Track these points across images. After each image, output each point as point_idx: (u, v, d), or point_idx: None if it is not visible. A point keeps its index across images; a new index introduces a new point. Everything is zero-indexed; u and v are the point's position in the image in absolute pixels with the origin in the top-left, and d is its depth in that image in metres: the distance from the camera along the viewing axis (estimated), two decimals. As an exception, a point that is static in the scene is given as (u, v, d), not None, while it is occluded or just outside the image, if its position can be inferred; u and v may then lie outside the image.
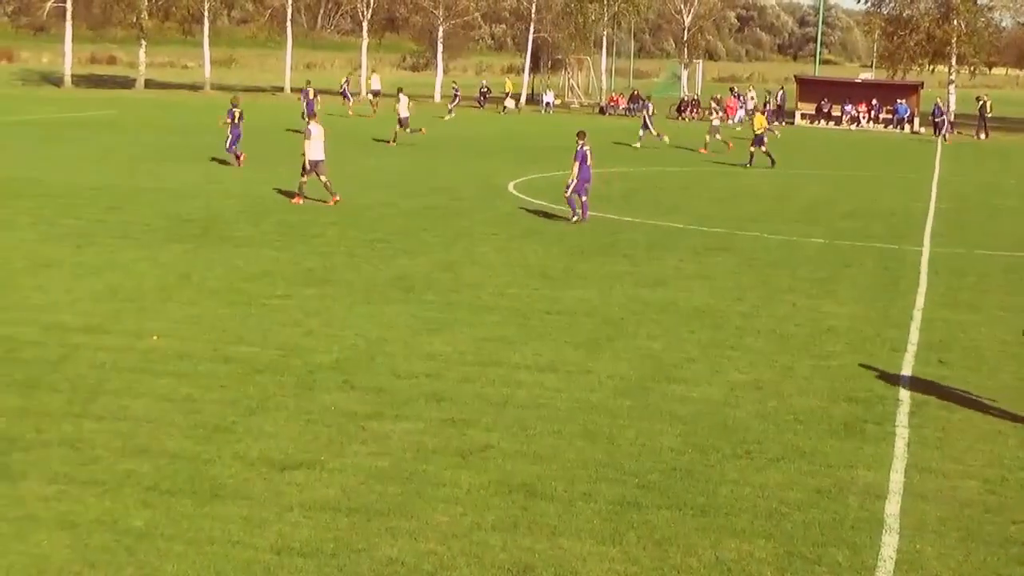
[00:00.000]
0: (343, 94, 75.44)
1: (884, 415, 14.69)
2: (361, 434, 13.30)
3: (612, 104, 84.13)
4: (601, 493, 11.75)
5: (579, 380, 15.74)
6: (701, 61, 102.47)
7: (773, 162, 46.94)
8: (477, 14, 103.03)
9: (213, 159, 41.80)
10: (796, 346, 17.98)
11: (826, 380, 16.19)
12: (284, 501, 11.30)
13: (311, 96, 56.32)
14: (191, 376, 15.34)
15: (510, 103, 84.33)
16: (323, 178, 31.64)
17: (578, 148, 29.97)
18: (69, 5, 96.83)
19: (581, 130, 30.75)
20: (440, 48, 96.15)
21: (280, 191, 33.37)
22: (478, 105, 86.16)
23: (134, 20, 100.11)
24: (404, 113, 51.31)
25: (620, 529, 10.91)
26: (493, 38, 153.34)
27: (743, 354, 17.40)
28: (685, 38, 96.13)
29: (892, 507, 11.69)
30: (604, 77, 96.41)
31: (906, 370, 16.84)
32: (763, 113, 51.39)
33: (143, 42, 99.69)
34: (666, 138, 55.34)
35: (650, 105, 56.94)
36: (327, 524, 10.80)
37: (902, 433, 14.02)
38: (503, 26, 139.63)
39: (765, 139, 47.32)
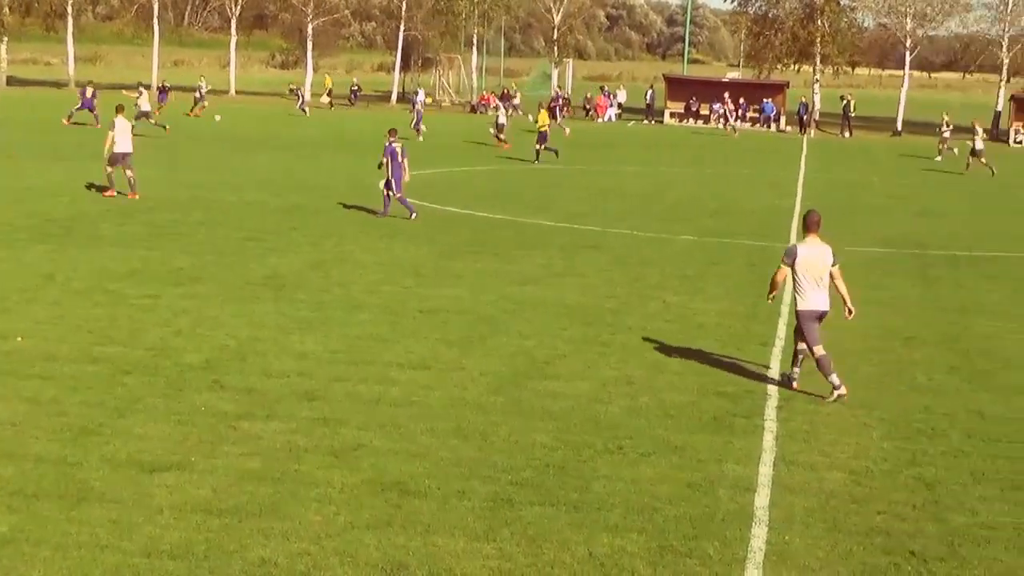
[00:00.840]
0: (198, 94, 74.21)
1: (753, 409, 14.91)
2: (232, 434, 13.16)
3: (483, 102, 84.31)
4: (475, 490, 11.76)
5: (452, 378, 15.75)
6: (571, 60, 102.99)
7: (557, 154, 48.10)
8: (347, 11, 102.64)
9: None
10: (666, 342, 18.17)
11: (696, 375, 16.39)
12: (154, 503, 11.14)
13: (88, 94, 57.63)
14: (57, 378, 15.05)
15: (324, 100, 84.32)
16: (129, 172, 31.86)
17: (387, 145, 30.32)
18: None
19: (391, 128, 31.34)
20: (310, 46, 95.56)
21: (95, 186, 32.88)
22: (349, 103, 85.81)
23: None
24: (145, 107, 52.54)
25: (494, 526, 10.93)
26: (363, 36, 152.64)
27: (614, 351, 17.55)
28: (555, 37, 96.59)
29: (761, 500, 11.86)
30: (475, 76, 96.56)
31: (774, 365, 17.10)
32: (547, 109, 52.35)
33: (4, 38, 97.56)
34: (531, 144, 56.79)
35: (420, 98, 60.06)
36: (198, 526, 10.67)
37: (770, 427, 14.24)
38: (373, 23, 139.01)
39: (548, 135, 48.62)
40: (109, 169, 32.34)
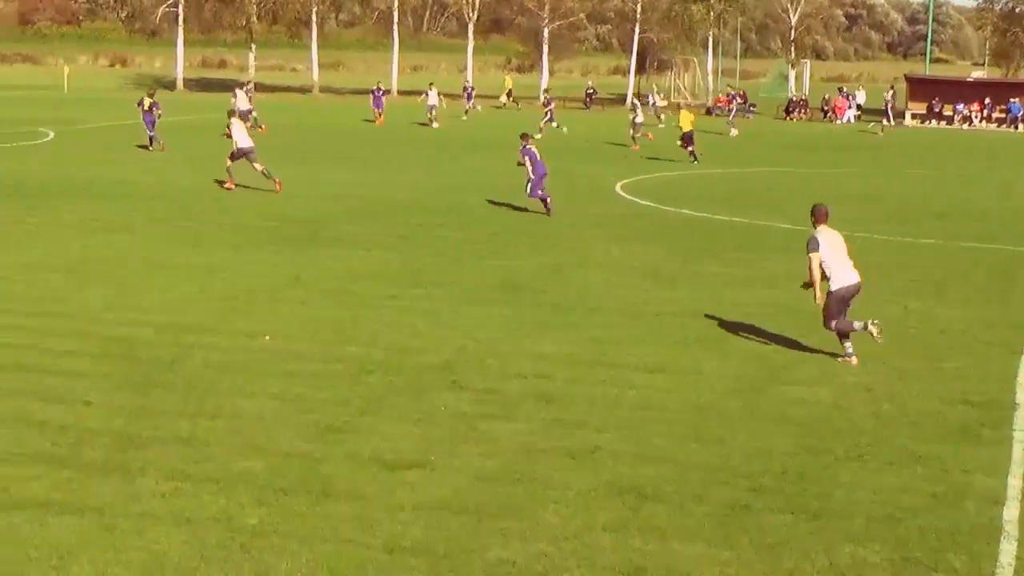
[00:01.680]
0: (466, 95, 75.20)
1: (1001, 419, 14.43)
2: (472, 434, 13.34)
3: (719, 104, 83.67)
4: (712, 496, 11.67)
5: (689, 381, 15.66)
6: (808, 61, 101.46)
7: (696, 159, 46.19)
8: (582, 15, 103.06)
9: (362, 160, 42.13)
10: (909, 348, 17.72)
11: (940, 383, 15.94)
12: (395, 501, 11.35)
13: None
14: (302, 376, 15.48)
15: (503, 99, 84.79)
16: (257, 166, 34.36)
17: (522, 148, 31.10)
18: (181, 10, 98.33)
19: (523, 133, 32.74)
20: (545, 49, 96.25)
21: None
22: (584, 106, 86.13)
23: (243, 24, 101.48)
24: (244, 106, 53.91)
25: (732, 532, 10.82)
26: (599, 39, 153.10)
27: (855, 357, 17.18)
28: (792, 37, 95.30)
29: (1010, 513, 11.47)
30: (710, 78, 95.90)
31: (1023, 374, 16.53)
32: (688, 110, 50.66)
33: (252, 46, 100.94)
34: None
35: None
36: (438, 524, 10.84)
37: (1020, 437, 13.76)
38: (608, 27, 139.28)
39: (693, 136, 46.72)
40: (229, 163, 34.91)
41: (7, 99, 76.74)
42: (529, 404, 14.50)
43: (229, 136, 35.66)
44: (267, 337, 17.40)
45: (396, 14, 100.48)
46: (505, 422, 13.78)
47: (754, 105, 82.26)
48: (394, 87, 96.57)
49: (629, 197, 35.15)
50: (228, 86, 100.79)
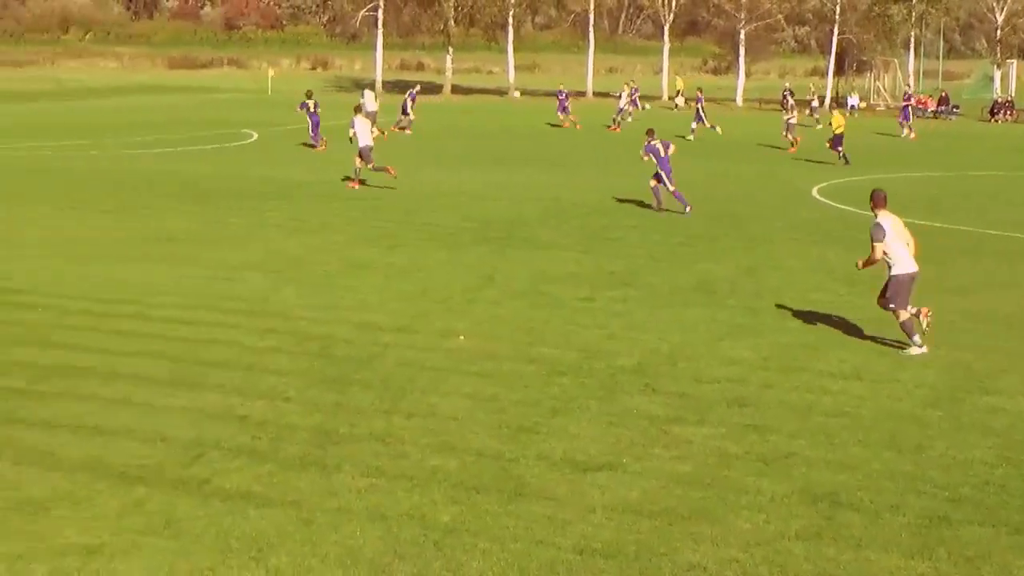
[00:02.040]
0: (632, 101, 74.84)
1: None
2: (663, 438, 13.29)
3: (920, 105, 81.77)
4: (909, 505, 11.42)
5: (885, 389, 15.35)
6: (1015, 61, 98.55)
7: (847, 161, 45.14)
8: (780, 16, 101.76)
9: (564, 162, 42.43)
10: (1119, 359, 17.09)
11: None
12: (587, 502, 11.38)
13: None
14: (496, 376, 15.62)
15: (679, 100, 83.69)
16: (370, 165, 35.58)
17: (646, 145, 31.66)
18: (380, 14, 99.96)
19: (649, 128, 33.28)
20: (742, 51, 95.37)
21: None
22: (781, 108, 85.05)
23: (441, 27, 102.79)
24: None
25: (929, 544, 10.58)
26: (796, 40, 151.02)
27: (1060, 366, 16.67)
28: (998, 37, 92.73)
29: None
30: (911, 79, 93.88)
31: None
32: (840, 112, 49.45)
33: (450, 48, 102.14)
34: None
35: (701, 97, 60.70)
36: (629, 526, 10.83)
37: None
38: (806, 28, 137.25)
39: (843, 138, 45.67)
40: (358, 163, 35.98)
41: (214, 101, 79.01)
42: (722, 408, 14.39)
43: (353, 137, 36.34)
44: (461, 337, 17.59)
45: (592, 16, 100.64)
46: (697, 426, 13.71)
47: (957, 107, 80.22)
48: (589, 89, 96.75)
49: (826, 201, 34.62)
50: (425, 88, 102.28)
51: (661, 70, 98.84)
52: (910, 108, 64.38)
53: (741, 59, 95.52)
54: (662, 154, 31.22)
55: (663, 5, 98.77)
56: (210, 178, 37.30)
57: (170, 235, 26.18)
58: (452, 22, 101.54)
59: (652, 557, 10.23)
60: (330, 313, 19.05)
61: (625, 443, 13.10)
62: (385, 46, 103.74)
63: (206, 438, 13.01)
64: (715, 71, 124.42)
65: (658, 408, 14.37)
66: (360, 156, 35.80)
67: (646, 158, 31.63)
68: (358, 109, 37.76)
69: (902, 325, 17.23)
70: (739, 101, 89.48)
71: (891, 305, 17.34)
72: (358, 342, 17.24)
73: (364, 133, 36.01)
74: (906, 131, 60.79)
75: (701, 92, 61.93)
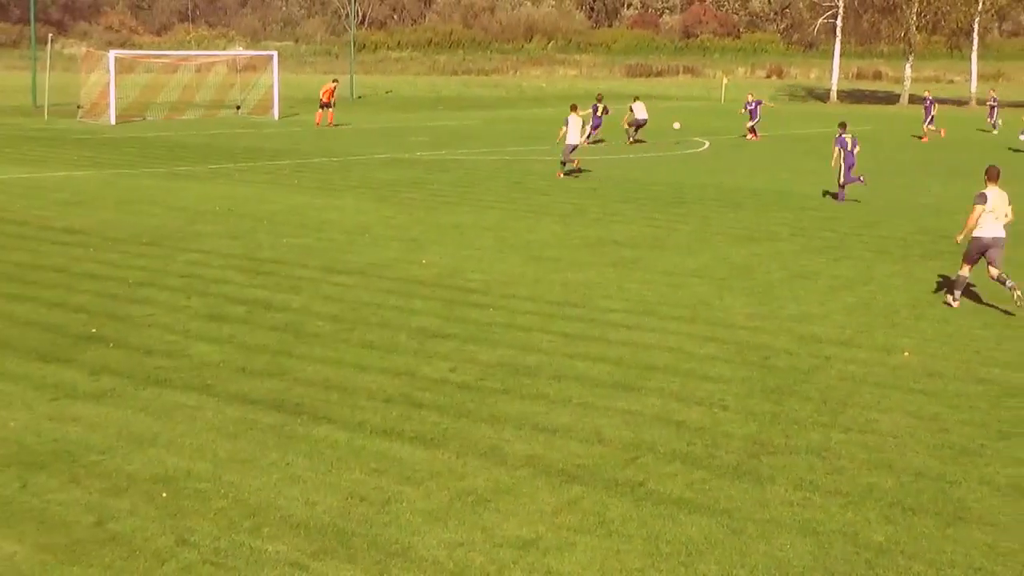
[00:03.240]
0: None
1: None
2: (1120, 470, 12.52)
3: None
4: None
5: None
6: None
7: None
8: None
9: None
10: None
11: None
12: (1032, 532, 10.88)
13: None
14: (940, 395, 15.13)
15: None
16: (566, 161, 39.46)
17: (837, 137, 34.53)
18: (839, 21, 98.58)
19: (842, 121, 36.07)
20: None
21: None
22: None
23: (902, 34, 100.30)
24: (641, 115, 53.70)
25: None
26: None
27: None
28: None
29: None
30: None
31: None
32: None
33: (910, 56, 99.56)
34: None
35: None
36: (1077, 561, 10.28)
37: None
38: None
39: None
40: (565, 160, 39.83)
41: (669, 109, 79.88)
42: None
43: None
44: (907, 353, 17.14)
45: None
46: None
47: None
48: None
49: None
50: (880, 98, 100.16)
51: None
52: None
53: None
54: (849, 147, 34.11)
55: None
56: (666, 185, 37.77)
57: (617, 240, 26.69)
58: (914, 28, 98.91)
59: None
60: (772, 323, 18.95)
61: (1075, 472, 12.43)
62: (842, 54, 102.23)
63: (643, 441, 13.21)
64: None
65: (1115, 438, 13.55)
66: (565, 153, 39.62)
67: (836, 150, 34.42)
68: (574, 108, 40.41)
69: (956, 279, 20.60)
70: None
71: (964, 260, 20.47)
72: (799, 353, 17.08)
73: (574, 132, 39.11)
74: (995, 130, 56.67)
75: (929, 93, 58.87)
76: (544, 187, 36.90)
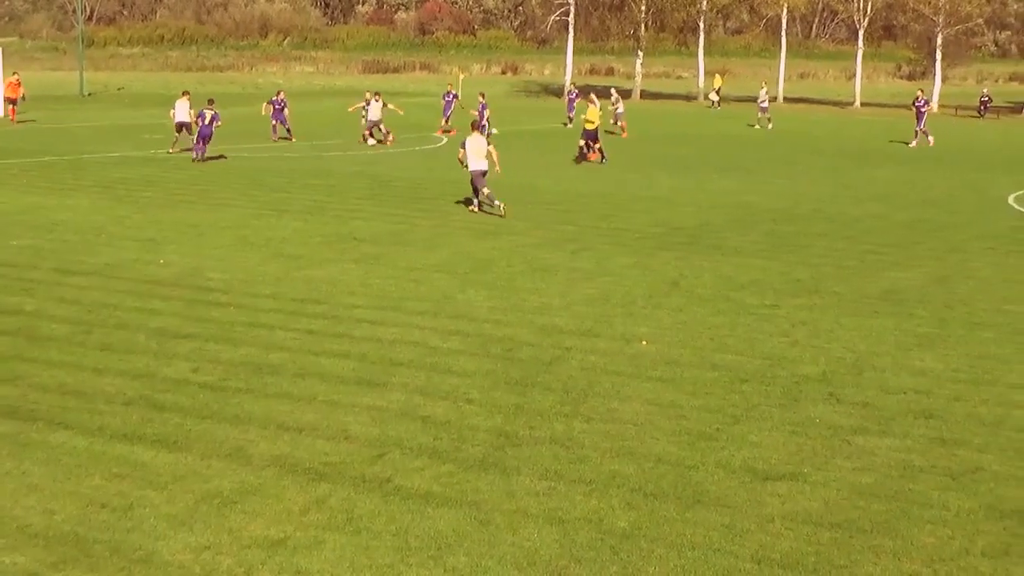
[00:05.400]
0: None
1: None
2: (846, 448, 13.10)
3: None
4: (1102, 525, 11.07)
5: (1081, 404, 14.89)
6: None
7: None
8: (980, 20, 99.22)
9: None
10: None
11: None
12: (765, 511, 11.28)
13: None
14: (677, 382, 15.56)
15: (714, 96, 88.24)
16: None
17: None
18: (571, 19, 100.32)
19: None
20: (938, 56, 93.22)
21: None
22: (978, 114, 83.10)
23: (631, 31, 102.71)
24: (374, 116, 51.72)
25: (1123, 565, 10.25)
26: (996, 44, 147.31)
27: None
28: None
29: None
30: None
31: None
32: None
33: (639, 53, 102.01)
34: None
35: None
36: (808, 537, 10.70)
37: None
38: (1008, 32, 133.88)
39: None
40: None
41: (406, 105, 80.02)
42: (907, 420, 14.12)
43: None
44: (644, 342, 17.57)
45: (784, 21, 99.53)
46: (881, 437, 13.48)
47: None
48: (780, 94, 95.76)
49: (1021, 209, 33.73)
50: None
51: (854, 75, 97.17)
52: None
53: (938, 64, 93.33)
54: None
55: (858, 10, 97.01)
56: (404, 181, 37.82)
57: (359, 236, 26.62)
58: (643, 26, 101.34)
59: (831, 569, 10.09)
60: (514, 315, 19.19)
61: (807, 452, 12.95)
62: (575, 51, 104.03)
63: (389, 437, 13.22)
64: (910, 76, 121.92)
65: (841, 418, 14.17)
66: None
67: None
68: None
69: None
70: (935, 107, 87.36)
71: None
72: (541, 345, 17.34)
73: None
74: (918, 141, 57.97)
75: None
76: (283, 184, 36.53)
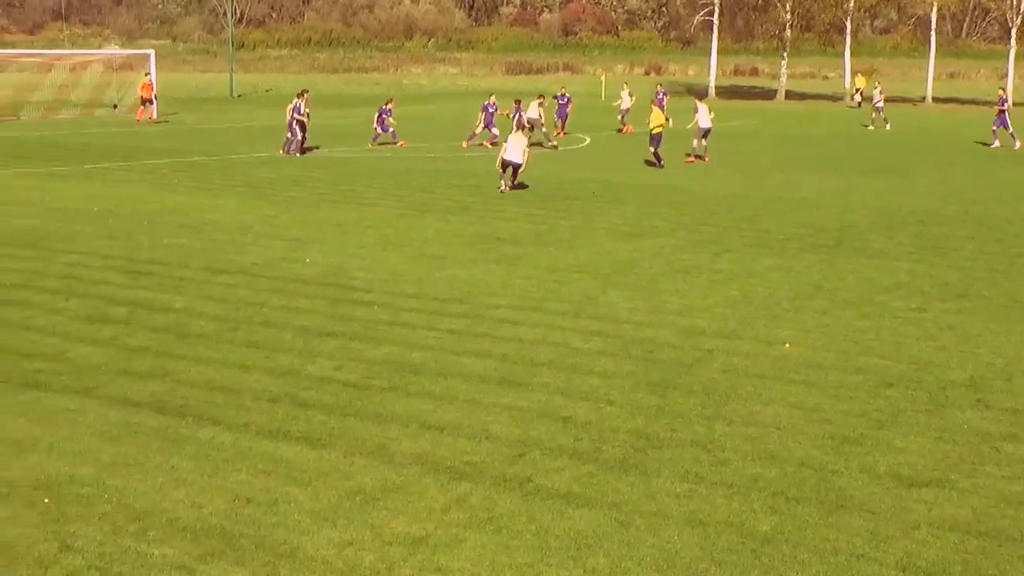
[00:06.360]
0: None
1: None
2: (995, 455, 12.83)
3: None
4: None
5: None
6: None
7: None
8: None
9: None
10: None
11: None
12: (911, 518, 11.09)
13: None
14: (821, 385, 15.37)
15: (858, 97, 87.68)
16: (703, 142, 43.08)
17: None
18: (716, 19, 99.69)
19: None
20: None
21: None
22: None
23: (776, 32, 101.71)
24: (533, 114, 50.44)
25: None
26: None
27: None
28: None
29: None
30: None
31: None
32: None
33: (784, 54, 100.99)
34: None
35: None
36: (956, 545, 10.50)
37: None
38: None
39: None
40: (695, 143, 44.82)
41: (549, 106, 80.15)
42: (1061, 427, 13.79)
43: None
44: (787, 345, 17.39)
45: (934, 19, 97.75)
46: (1032, 445, 13.18)
47: None
48: (929, 95, 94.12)
49: None
50: (758, 94, 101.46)
51: (1006, 74, 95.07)
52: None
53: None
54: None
55: (1011, 7, 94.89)
56: (544, 181, 37.89)
57: (500, 236, 26.75)
58: (788, 27, 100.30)
59: (979, 578, 9.90)
60: (655, 317, 19.12)
61: (954, 459, 12.70)
62: (720, 51, 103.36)
63: (530, 437, 13.26)
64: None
65: (990, 424, 13.87)
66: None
67: None
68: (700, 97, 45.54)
69: None
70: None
71: None
72: (682, 347, 17.25)
73: (704, 117, 44.36)
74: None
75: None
76: (426, 184, 36.85)
